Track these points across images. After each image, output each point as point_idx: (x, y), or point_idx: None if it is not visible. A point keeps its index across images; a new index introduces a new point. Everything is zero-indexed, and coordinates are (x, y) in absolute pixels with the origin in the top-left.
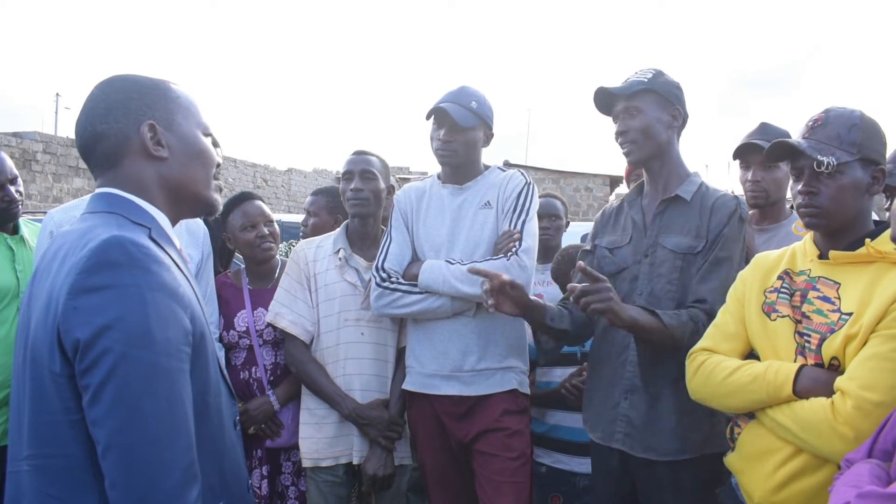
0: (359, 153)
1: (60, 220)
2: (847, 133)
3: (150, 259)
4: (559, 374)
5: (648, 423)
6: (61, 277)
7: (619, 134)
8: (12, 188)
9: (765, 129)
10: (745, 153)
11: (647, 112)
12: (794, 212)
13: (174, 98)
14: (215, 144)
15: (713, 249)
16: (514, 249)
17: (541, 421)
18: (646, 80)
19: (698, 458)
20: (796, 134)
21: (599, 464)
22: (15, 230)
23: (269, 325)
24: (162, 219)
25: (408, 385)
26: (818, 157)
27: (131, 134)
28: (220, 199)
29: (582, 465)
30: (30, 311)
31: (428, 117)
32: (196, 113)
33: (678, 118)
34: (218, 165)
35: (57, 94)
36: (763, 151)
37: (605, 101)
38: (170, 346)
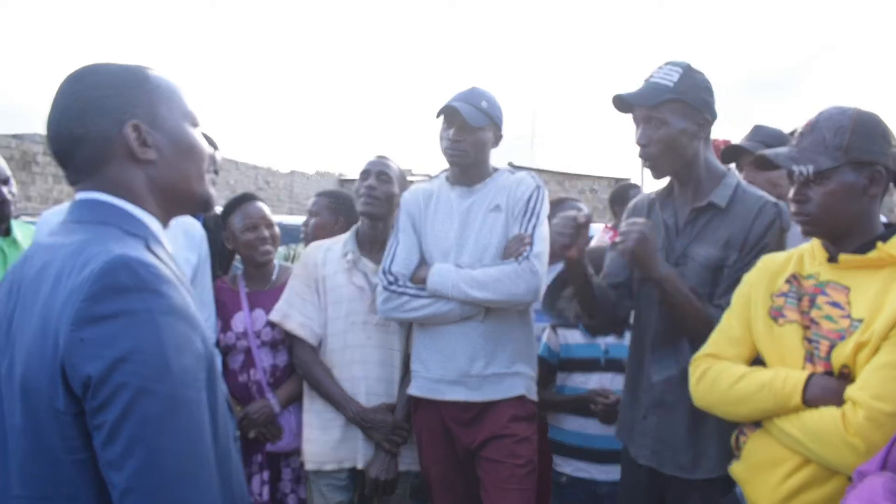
0: (379, 157)
1: (55, 222)
2: (833, 137)
3: (159, 280)
4: (580, 380)
5: (677, 440)
6: (59, 303)
7: (639, 144)
8: (4, 189)
9: (757, 132)
10: (734, 156)
11: (671, 124)
12: None
13: (154, 88)
14: (213, 145)
15: (748, 260)
16: (524, 254)
17: (560, 429)
18: (671, 84)
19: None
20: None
21: (628, 472)
22: (7, 232)
23: (266, 326)
24: (154, 225)
25: (413, 390)
26: (793, 167)
27: (113, 136)
28: (215, 193)
29: (603, 472)
30: (12, 335)
31: (438, 116)
32: (179, 101)
33: (705, 126)
34: (211, 157)
35: None
36: (749, 153)
37: (625, 103)
38: (187, 375)
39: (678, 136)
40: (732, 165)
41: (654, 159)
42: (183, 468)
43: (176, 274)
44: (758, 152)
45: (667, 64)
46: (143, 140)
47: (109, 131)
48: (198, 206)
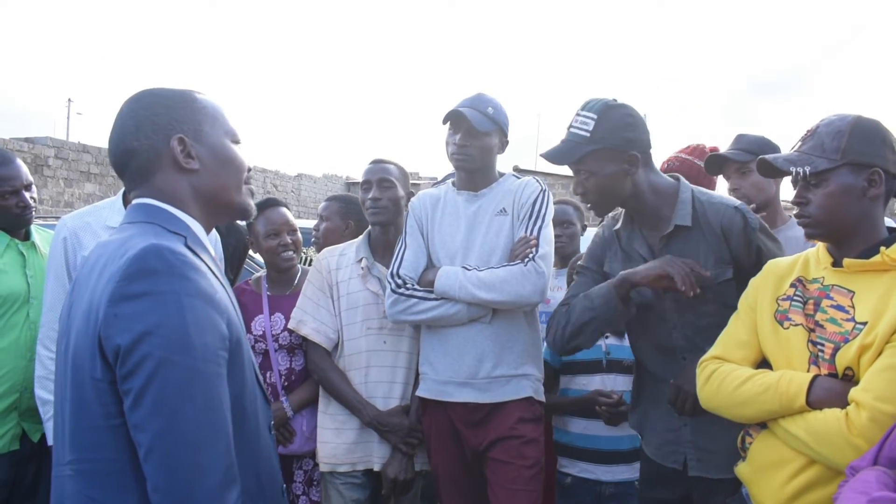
0: (376, 162)
1: (74, 226)
2: (831, 140)
3: (187, 266)
4: (583, 382)
5: (715, 444)
6: (101, 286)
7: (576, 193)
8: (27, 194)
9: (739, 140)
10: (718, 166)
11: (598, 172)
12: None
13: (200, 108)
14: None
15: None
16: (530, 255)
17: (564, 430)
18: (588, 133)
19: None
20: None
21: (651, 472)
22: (27, 236)
23: (284, 330)
24: (197, 227)
25: (422, 392)
26: (790, 168)
27: (162, 148)
28: (252, 203)
29: (608, 473)
30: (70, 319)
31: (445, 122)
32: (223, 120)
33: (635, 162)
34: (248, 170)
35: (69, 100)
36: (734, 161)
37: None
38: (207, 351)
39: (609, 181)
40: (681, 177)
41: (594, 205)
42: (200, 433)
43: (212, 269)
44: (761, 158)
45: (582, 110)
46: (188, 152)
47: (159, 144)
48: (236, 213)
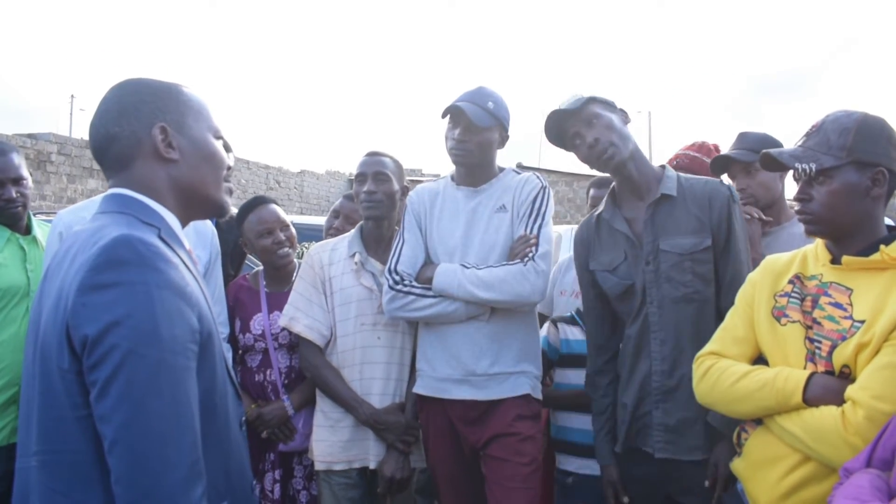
0: (372, 154)
1: (70, 220)
2: (837, 138)
3: (158, 257)
4: (580, 376)
5: (683, 425)
6: (71, 275)
7: (591, 146)
8: (13, 188)
9: (742, 139)
10: (723, 166)
11: (603, 115)
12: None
13: (185, 101)
14: (227, 149)
15: (730, 249)
16: (530, 254)
17: (563, 426)
18: (584, 96)
19: None
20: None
21: (632, 472)
22: (28, 230)
23: (284, 328)
24: (171, 219)
25: (419, 389)
26: (795, 164)
27: (143, 136)
28: (230, 202)
29: None
30: (40, 308)
31: (444, 116)
32: (207, 116)
33: (626, 115)
34: (228, 168)
35: (72, 96)
36: (738, 161)
37: (556, 130)
38: (176, 343)
39: (615, 123)
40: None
41: (611, 147)
42: (166, 426)
43: (185, 262)
44: (764, 152)
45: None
46: (169, 142)
47: (140, 131)
48: (212, 209)
